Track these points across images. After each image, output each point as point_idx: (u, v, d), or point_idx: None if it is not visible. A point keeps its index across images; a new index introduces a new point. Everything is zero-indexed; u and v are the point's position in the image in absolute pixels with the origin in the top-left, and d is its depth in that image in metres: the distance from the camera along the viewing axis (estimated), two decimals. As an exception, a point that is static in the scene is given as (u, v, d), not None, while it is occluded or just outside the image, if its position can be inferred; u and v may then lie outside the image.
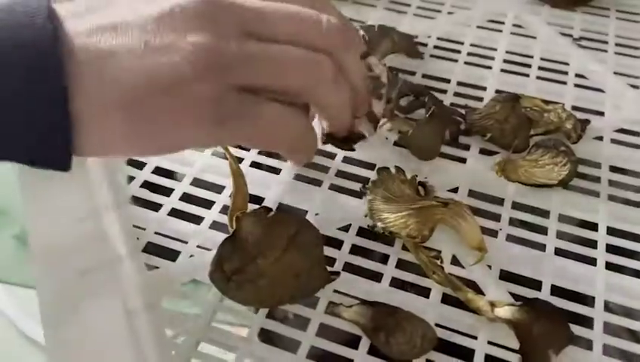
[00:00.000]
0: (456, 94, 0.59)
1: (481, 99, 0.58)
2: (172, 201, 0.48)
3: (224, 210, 0.47)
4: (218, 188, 0.49)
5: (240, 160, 0.51)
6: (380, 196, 0.47)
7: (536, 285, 0.43)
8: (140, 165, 0.51)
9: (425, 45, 0.65)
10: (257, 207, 0.42)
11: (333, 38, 0.38)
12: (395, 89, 0.54)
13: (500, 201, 0.49)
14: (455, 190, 0.50)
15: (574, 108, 0.57)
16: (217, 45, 0.32)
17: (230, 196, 0.47)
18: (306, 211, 0.48)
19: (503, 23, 0.68)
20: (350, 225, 0.47)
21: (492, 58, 0.63)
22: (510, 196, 0.49)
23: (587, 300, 0.43)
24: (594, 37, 0.66)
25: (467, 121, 0.53)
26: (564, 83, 0.60)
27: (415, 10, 0.70)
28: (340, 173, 0.51)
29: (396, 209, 0.46)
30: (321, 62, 0.37)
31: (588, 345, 0.40)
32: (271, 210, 0.40)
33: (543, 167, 0.50)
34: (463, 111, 0.55)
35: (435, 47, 0.65)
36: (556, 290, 0.43)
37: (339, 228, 0.46)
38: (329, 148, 0.52)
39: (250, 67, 0.34)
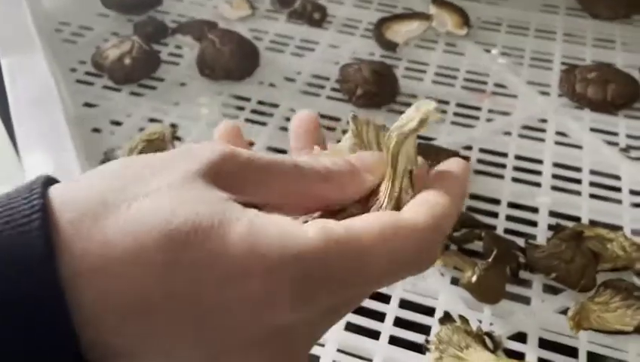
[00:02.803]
0: (509, 218, 0.56)
1: (535, 224, 0.55)
2: None
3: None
4: None
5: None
6: (448, 355, 0.43)
7: None
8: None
9: (468, 159, 0.62)
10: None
11: None
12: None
13: (573, 352, 0.45)
14: (523, 338, 0.46)
15: (634, 231, 0.54)
16: None
17: None
18: (367, 372, 0.44)
19: (544, 130, 0.66)
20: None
21: (539, 173, 0.61)
22: (584, 345, 0.46)
23: None
24: (641, 145, 0.64)
25: (528, 257, 0.50)
26: (620, 202, 0.57)
27: (452, 117, 0.68)
28: (398, 321, 0.47)
29: (468, 372, 0.42)
30: None
31: None
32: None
33: (614, 311, 0.47)
34: (520, 242, 0.52)
35: (479, 160, 0.62)
36: None
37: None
38: (384, 289, 0.49)
39: None
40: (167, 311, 0.19)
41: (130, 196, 0.20)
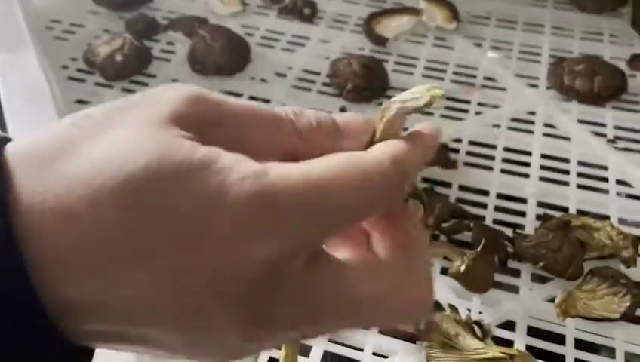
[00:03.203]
0: (497, 209, 0.56)
1: (523, 214, 0.56)
2: None
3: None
4: None
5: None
6: (437, 341, 0.44)
7: None
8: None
9: (457, 151, 0.63)
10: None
11: None
12: (432, 216, 0.52)
13: (561, 340, 0.46)
14: (512, 326, 0.47)
15: (621, 221, 0.55)
16: None
17: None
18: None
19: (533, 122, 0.67)
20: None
21: (528, 164, 0.61)
22: (571, 333, 0.47)
23: None
24: (628, 136, 0.65)
25: (516, 246, 0.51)
26: (607, 192, 0.58)
27: (442, 110, 0.68)
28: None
29: (458, 359, 0.43)
30: None
31: None
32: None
33: (601, 298, 0.48)
34: (508, 232, 0.53)
35: (468, 153, 0.63)
36: None
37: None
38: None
39: None
40: (128, 258, 0.19)
41: (89, 143, 0.20)
